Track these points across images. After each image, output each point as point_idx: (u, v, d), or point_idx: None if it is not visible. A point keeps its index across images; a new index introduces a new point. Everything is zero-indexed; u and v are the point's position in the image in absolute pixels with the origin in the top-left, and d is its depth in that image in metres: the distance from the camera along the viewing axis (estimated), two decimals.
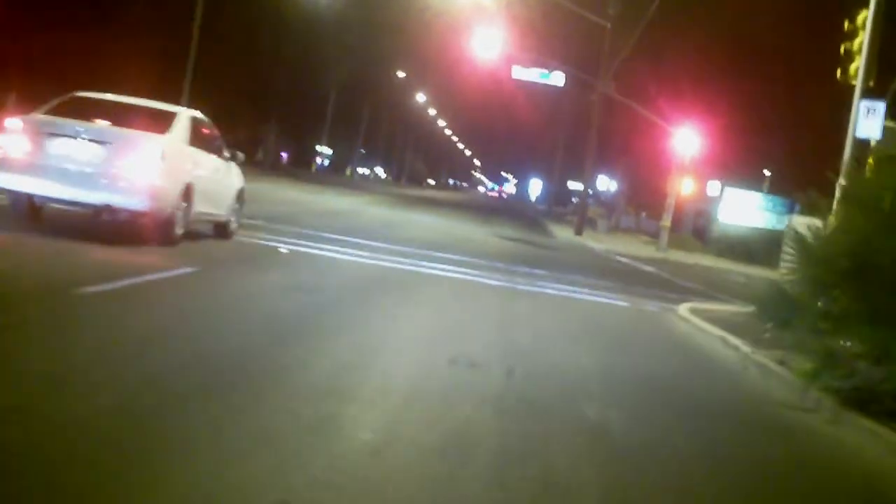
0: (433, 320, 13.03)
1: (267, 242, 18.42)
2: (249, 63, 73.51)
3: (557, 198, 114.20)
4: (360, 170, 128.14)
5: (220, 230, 18.05)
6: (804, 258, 11.25)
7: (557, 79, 53.43)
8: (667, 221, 47.49)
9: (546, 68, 52.54)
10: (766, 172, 72.08)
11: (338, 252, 18.89)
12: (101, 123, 15.35)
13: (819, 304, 10.84)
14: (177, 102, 53.59)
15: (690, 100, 52.17)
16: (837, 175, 15.17)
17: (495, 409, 8.17)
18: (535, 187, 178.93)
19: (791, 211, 55.92)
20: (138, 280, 11.61)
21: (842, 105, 48.25)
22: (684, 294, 23.16)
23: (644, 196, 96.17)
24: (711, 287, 27.85)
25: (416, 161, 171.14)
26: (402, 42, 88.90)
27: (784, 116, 60.58)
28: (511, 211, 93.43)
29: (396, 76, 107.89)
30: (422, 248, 23.38)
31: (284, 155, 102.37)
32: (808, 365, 10.62)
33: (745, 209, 56.73)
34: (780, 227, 55.23)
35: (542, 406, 8.70)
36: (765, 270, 44.98)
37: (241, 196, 18.73)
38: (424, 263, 19.39)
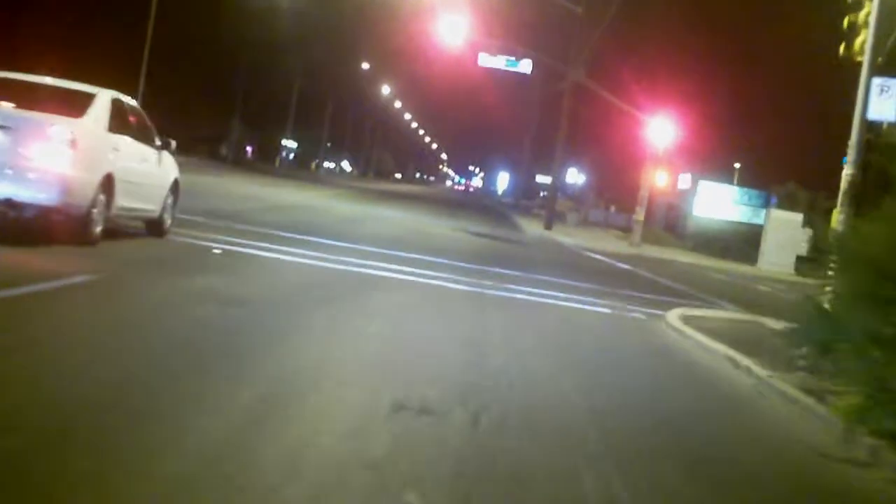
0: (383, 340, 10.58)
1: (203, 242, 16.09)
2: (208, 54, 72.36)
3: (525, 191, 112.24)
4: (327, 164, 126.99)
5: (153, 227, 15.86)
6: (847, 265, 8.86)
7: (525, 66, 51.10)
8: (640, 215, 45.51)
9: (513, 55, 50.22)
10: (736, 165, 70.44)
11: (284, 253, 16.61)
12: (3, 105, 13.24)
13: (869, 323, 8.47)
14: (132, 95, 53.22)
15: (664, 88, 50.35)
16: (837, 162, 12.79)
17: (451, 492, 5.76)
18: (503, 181, 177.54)
19: (767, 204, 54.20)
20: (10, 293, 9.23)
21: (822, 93, 46.48)
22: (667, 296, 21.38)
23: (613, 189, 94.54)
24: (693, 286, 25.90)
25: (383, 155, 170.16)
26: (365, 31, 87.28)
27: (760, 106, 58.71)
28: (478, 205, 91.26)
29: (361, 68, 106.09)
30: (383, 246, 21.17)
31: (249, 149, 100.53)
32: (854, 399, 8.35)
33: (720, 202, 54.80)
34: (757, 220, 53.67)
35: (522, 479, 6.22)
36: (743, 266, 43.22)
37: (175, 189, 16.48)
38: (383, 265, 17.09)
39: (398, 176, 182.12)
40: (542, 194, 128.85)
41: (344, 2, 77.81)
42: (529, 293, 16.95)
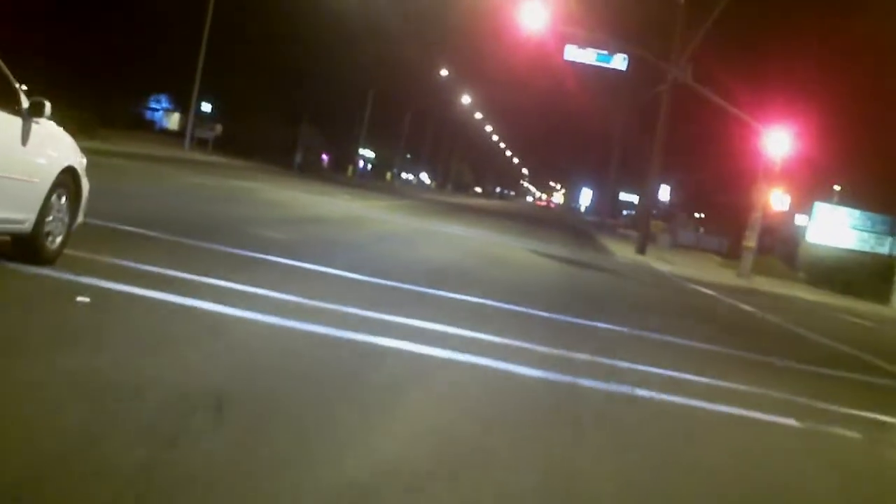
0: None
1: (94, 280, 9.14)
2: (279, 60, 70.06)
3: (610, 209, 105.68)
4: (404, 175, 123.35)
5: (24, 248, 9.24)
6: None
7: (619, 62, 44.11)
8: (751, 241, 38.59)
9: (605, 49, 43.34)
10: (836, 187, 63.18)
11: (231, 300, 9.72)
12: None
13: None
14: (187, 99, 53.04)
15: (778, 95, 43.44)
16: None
17: None
18: (585, 197, 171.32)
19: (892, 231, 47.18)
20: None
21: None
22: (838, 368, 14.94)
23: (703, 208, 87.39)
24: (851, 343, 19.21)
25: (462, 168, 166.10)
26: (443, 34, 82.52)
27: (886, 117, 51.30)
28: (559, 222, 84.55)
29: (439, 75, 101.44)
30: (424, 282, 14.72)
31: (325, 158, 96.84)
32: None
33: (837, 228, 47.77)
34: (881, 250, 46.64)
35: None
36: (877, 306, 36.20)
37: (71, 184, 9.90)
38: (408, 323, 10.50)
39: (477, 190, 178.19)
40: (624, 212, 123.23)
41: (421, 5, 73.49)
42: (651, 384, 10.12)
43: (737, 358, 13.64)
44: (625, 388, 9.22)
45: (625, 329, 14.15)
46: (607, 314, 16.00)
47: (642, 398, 8.99)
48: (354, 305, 10.75)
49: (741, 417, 9.16)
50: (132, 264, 10.41)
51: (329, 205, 33.50)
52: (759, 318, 21.99)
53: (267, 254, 14.09)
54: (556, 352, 10.58)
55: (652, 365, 10.98)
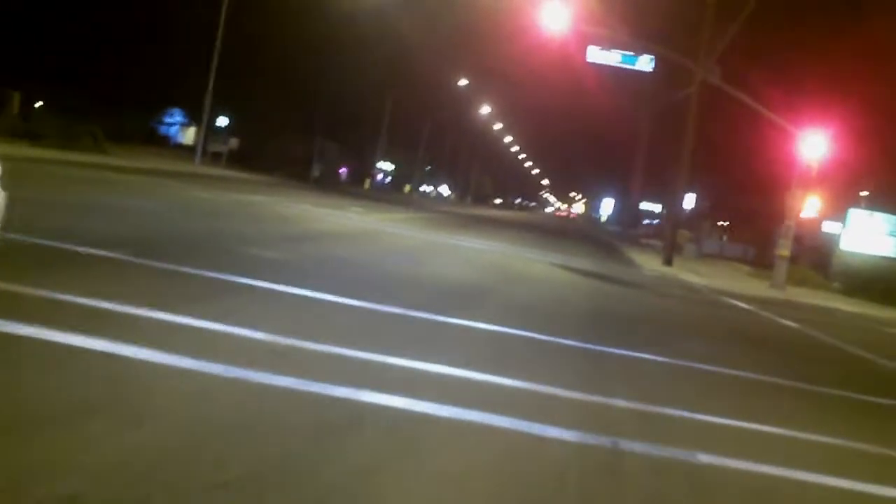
0: None
1: None
2: (298, 69, 69.25)
3: (631, 218, 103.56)
4: (423, 187, 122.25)
5: None
6: None
7: (645, 63, 42.06)
8: (785, 250, 36.37)
9: (630, 50, 41.27)
10: (863, 193, 60.91)
11: (190, 340, 8.02)
12: None
13: None
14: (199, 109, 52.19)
15: (811, 97, 41.41)
16: None
17: None
18: (607, 206, 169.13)
19: None
20: None
21: None
22: None
23: (728, 216, 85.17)
24: None
25: (481, 179, 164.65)
26: (461, 41, 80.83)
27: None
28: (580, 233, 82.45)
29: (458, 85, 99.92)
30: (430, 306, 12.80)
31: (344, 171, 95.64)
32: None
33: (873, 235, 45.62)
34: None
35: None
36: None
37: None
38: (401, 365, 8.59)
39: (497, 201, 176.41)
40: (645, 222, 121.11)
41: (437, 11, 72.09)
42: (717, 438, 8.13)
43: (804, 393, 11.71)
44: (681, 454, 7.19)
45: (666, 359, 12.15)
46: (643, 339, 14.03)
47: (709, 467, 7.01)
48: (341, 343, 8.85)
49: (859, 497, 7.18)
50: (57, 295, 8.51)
51: (340, 219, 31.59)
52: (806, 336, 19.96)
53: (253, 277, 12.20)
54: (590, 398, 8.63)
55: (708, 411, 9.01)
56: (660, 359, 12.11)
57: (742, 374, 12.16)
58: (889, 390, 13.33)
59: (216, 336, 8.28)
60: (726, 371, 12.13)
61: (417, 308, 12.27)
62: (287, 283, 12.24)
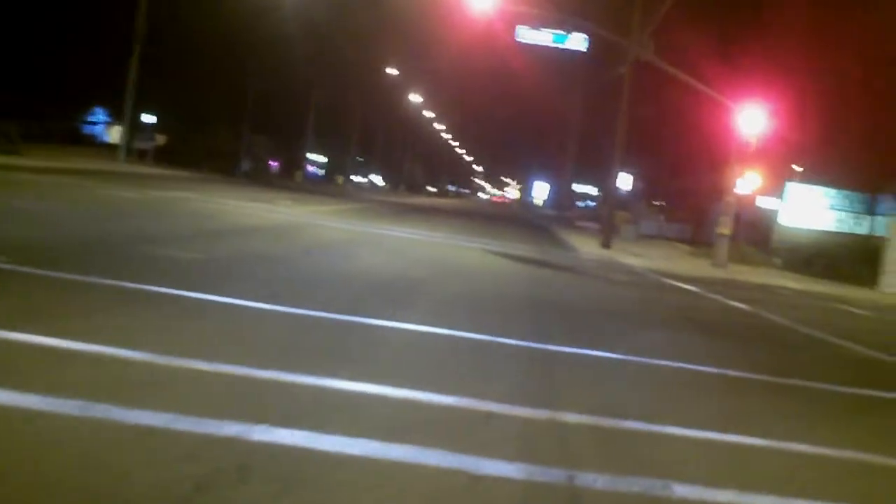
0: None
1: None
2: (223, 63, 68.06)
3: (566, 201, 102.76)
4: (356, 178, 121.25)
5: None
6: None
7: (577, 42, 40.72)
8: (726, 228, 35.56)
9: (561, 28, 39.95)
10: (798, 168, 60.27)
11: (39, 367, 6.70)
12: None
13: None
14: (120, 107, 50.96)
15: (749, 72, 40.54)
16: None
17: None
18: (541, 190, 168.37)
19: (872, 210, 44.33)
20: None
21: None
22: (875, 387, 11.51)
23: (663, 196, 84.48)
24: (870, 343, 16.14)
25: (414, 168, 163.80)
26: (388, 26, 79.57)
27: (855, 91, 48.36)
28: (515, 218, 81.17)
29: (387, 73, 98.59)
30: (353, 306, 11.54)
31: (275, 164, 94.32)
32: None
33: (813, 209, 44.88)
34: (859, 230, 43.82)
35: None
36: (863, 291, 33.25)
37: None
38: (306, 384, 7.29)
39: (431, 189, 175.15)
40: (580, 204, 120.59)
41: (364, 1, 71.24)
42: (693, 460, 6.79)
43: (778, 389, 10.47)
44: (653, 486, 5.85)
45: (617, 355, 10.84)
46: (589, 333, 12.77)
47: None
48: (241, 360, 7.49)
49: None
50: None
51: (266, 213, 30.05)
52: (759, 319, 18.76)
53: (155, 283, 10.81)
54: (536, 414, 7.32)
55: (676, 421, 7.72)
56: (611, 355, 10.80)
57: (704, 368, 10.90)
58: (867, 379, 12.15)
59: (81, 361, 6.85)
60: (686, 366, 10.85)
61: (338, 310, 10.92)
62: (193, 288, 10.86)
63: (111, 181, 34.65)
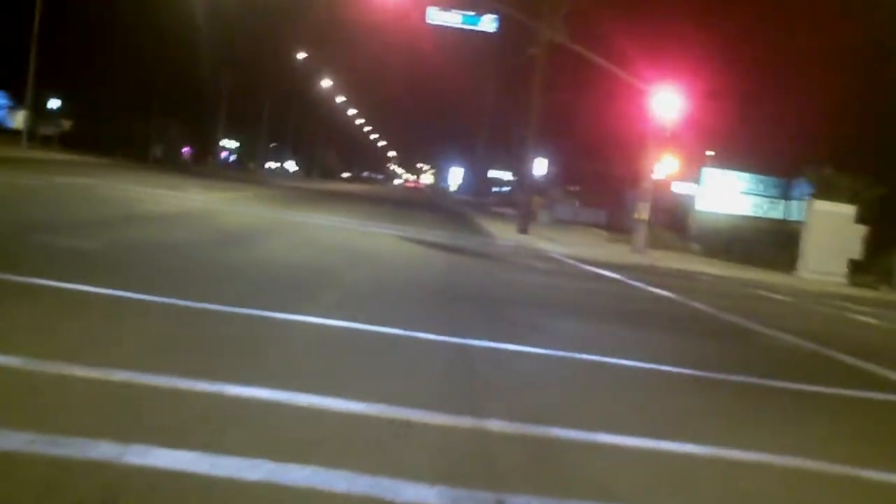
0: None
1: None
2: (130, 48, 66.27)
3: (481, 186, 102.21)
4: (269, 164, 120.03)
5: None
6: None
7: (488, 23, 39.88)
8: (643, 213, 35.15)
9: (472, 10, 39.09)
10: (709, 153, 60.23)
11: None
12: None
13: None
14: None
15: (663, 55, 40.04)
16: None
17: None
18: (456, 176, 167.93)
19: (786, 194, 44.30)
20: None
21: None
22: (836, 383, 10.86)
23: (577, 180, 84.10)
24: (797, 332, 15.49)
25: (328, 154, 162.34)
26: (296, 8, 78.28)
27: (773, 73, 48.26)
28: (430, 204, 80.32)
29: (296, 58, 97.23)
30: (250, 298, 10.63)
31: (187, 150, 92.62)
32: None
33: (728, 194, 44.72)
34: (774, 214, 43.78)
35: None
36: (781, 276, 32.98)
37: None
38: (176, 388, 6.31)
39: (345, 175, 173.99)
40: (494, 189, 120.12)
41: None
42: (640, 479, 6.00)
43: (718, 385, 9.71)
44: None
45: (542, 350, 10.01)
46: (510, 325, 11.90)
47: None
48: (120, 363, 6.52)
49: None
50: None
51: (172, 199, 28.82)
52: (684, 307, 18.10)
53: (37, 275, 9.76)
54: (458, 422, 6.43)
55: (615, 427, 6.88)
56: (533, 350, 9.95)
57: (632, 363, 10.09)
58: (799, 372, 11.47)
59: None
60: (613, 361, 10.04)
61: (238, 302, 9.95)
62: (81, 279, 9.86)
63: (11, 167, 33.19)
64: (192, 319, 8.93)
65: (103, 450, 4.77)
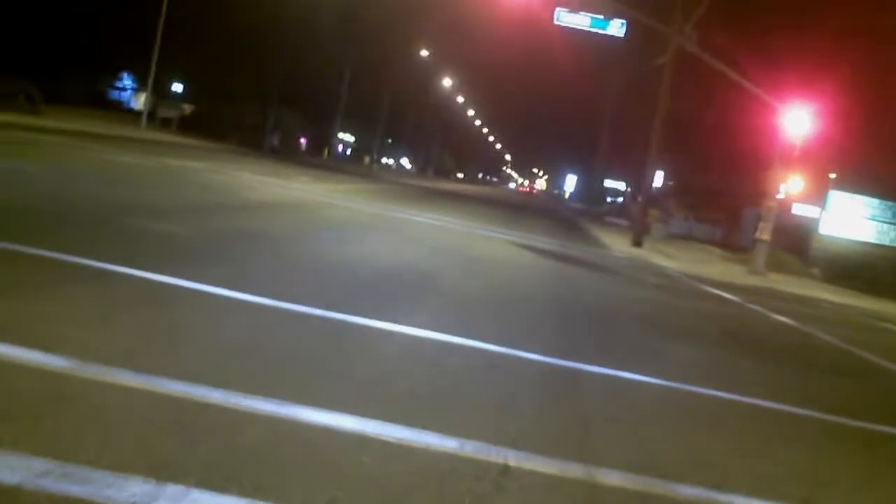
0: None
1: None
2: (256, 36, 66.84)
3: (596, 195, 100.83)
4: (384, 160, 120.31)
5: None
6: None
7: (616, 28, 38.75)
8: (766, 233, 33.62)
9: (600, 13, 38.02)
10: (832, 175, 58.14)
11: None
12: None
13: None
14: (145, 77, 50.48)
15: (792, 71, 38.59)
16: None
17: None
18: (570, 183, 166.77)
19: None
20: None
21: None
22: None
23: (693, 194, 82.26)
24: None
25: (443, 153, 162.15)
26: (423, 6, 77.89)
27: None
28: (542, 209, 79.32)
29: (420, 54, 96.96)
30: (344, 301, 9.85)
31: (303, 141, 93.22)
32: None
33: (854, 219, 42.89)
34: None
35: None
36: None
37: None
38: (237, 408, 5.52)
39: (460, 175, 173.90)
40: (609, 200, 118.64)
41: None
42: None
43: (852, 433, 8.63)
44: None
45: (658, 380, 9.03)
46: (625, 348, 10.95)
47: None
48: (169, 372, 5.71)
49: None
50: None
51: (280, 188, 28.35)
52: (808, 336, 16.90)
53: (114, 261, 9.07)
54: (567, 470, 5.50)
55: (744, 486, 5.91)
56: (655, 381, 8.98)
57: (762, 403, 9.05)
58: None
59: None
60: (740, 399, 9.01)
61: (329, 305, 9.15)
62: (159, 268, 9.13)
63: (124, 147, 33.08)
64: (270, 322, 8.15)
65: (132, 490, 3.97)
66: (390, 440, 5.39)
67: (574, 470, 5.53)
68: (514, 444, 5.76)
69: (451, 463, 5.23)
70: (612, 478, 5.55)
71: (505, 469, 5.28)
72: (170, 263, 9.68)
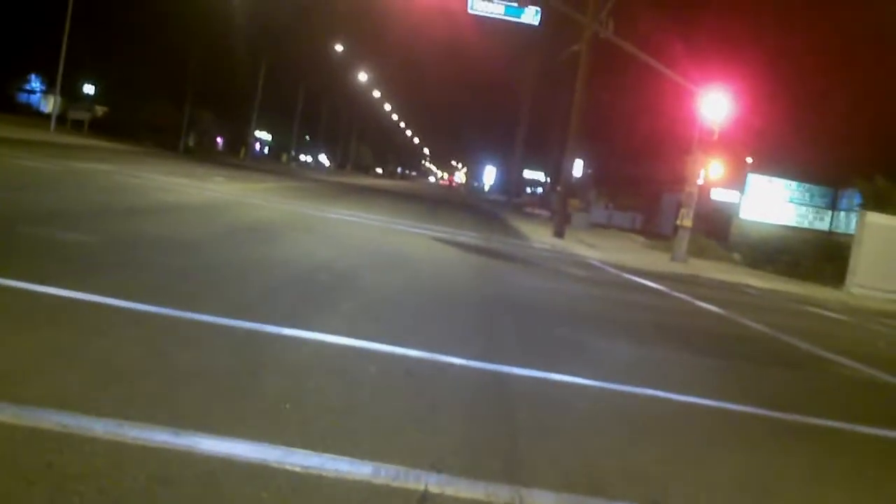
0: None
1: None
2: (165, 36, 65.94)
3: (515, 187, 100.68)
4: (302, 157, 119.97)
5: None
6: None
7: (531, 16, 38.25)
8: (687, 220, 33.42)
9: (515, 1, 37.49)
10: (748, 159, 58.45)
11: None
12: None
13: None
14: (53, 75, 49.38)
15: (712, 56, 38.59)
16: None
17: None
18: (490, 175, 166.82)
19: (833, 205, 42.58)
20: None
21: None
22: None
23: (611, 183, 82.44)
24: (864, 357, 13.94)
25: (361, 149, 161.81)
26: (334, 3, 77.19)
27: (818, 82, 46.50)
28: (463, 202, 78.89)
29: (335, 50, 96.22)
30: (252, 307, 9.21)
31: (220, 141, 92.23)
32: None
33: (772, 202, 43.03)
34: (820, 226, 42.07)
35: None
36: (827, 290, 31.21)
37: None
38: (122, 437, 4.87)
39: (378, 171, 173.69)
40: (529, 190, 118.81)
41: None
42: None
43: (783, 427, 8.14)
44: None
45: (589, 381, 8.47)
46: (553, 346, 10.39)
47: None
48: (57, 401, 5.01)
49: None
50: None
51: (195, 189, 27.51)
52: (736, 325, 16.52)
53: (9, 276, 8.30)
54: (494, 494, 4.90)
55: None
56: (586, 382, 8.40)
57: (698, 401, 8.56)
58: (880, 413, 9.91)
59: None
60: (676, 398, 8.50)
61: (241, 313, 8.49)
62: (57, 281, 8.41)
63: (32, 151, 31.98)
64: (170, 336, 7.45)
65: None
66: (297, 469, 4.75)
67: (502, 493, 4.92)
68: (435, 466, 5.15)
69: (363, 493, 4.60)
70: (543, 500, 4.96)
71: (424, 497, 4.67)
72: (69, 274, 8.94)
